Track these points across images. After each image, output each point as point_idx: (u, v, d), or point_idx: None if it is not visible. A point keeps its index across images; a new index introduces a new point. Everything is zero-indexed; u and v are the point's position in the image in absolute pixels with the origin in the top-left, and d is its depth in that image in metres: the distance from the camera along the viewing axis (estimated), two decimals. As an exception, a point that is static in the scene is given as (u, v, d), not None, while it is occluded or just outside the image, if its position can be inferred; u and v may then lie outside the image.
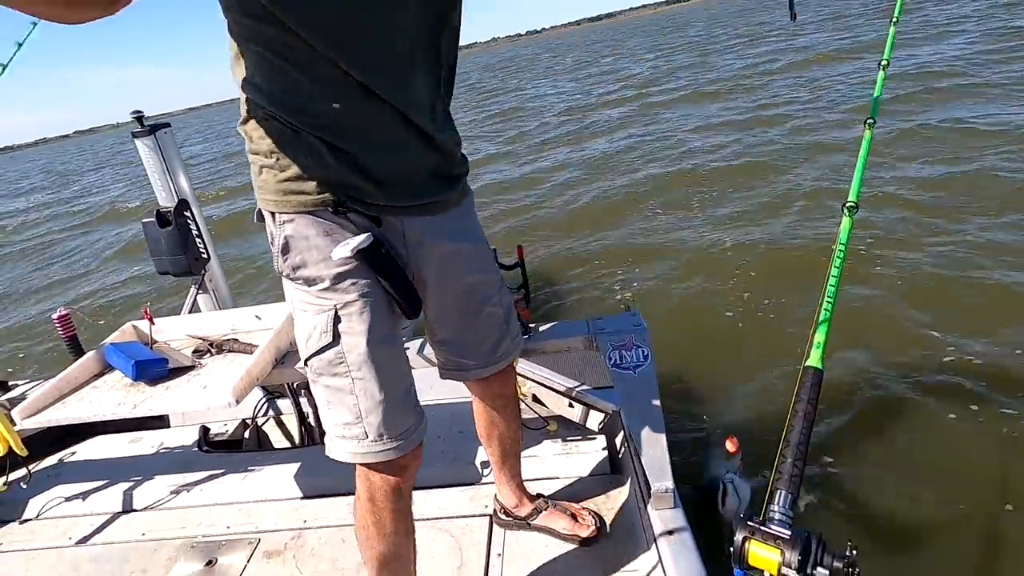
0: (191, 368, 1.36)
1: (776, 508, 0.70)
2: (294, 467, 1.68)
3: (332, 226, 0.87)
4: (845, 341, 2.62)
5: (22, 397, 1.46)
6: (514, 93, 18.68)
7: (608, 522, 1.33)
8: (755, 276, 3.59)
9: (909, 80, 7.75)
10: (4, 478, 1.65)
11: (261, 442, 2.08)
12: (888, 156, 5.18)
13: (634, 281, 3.84)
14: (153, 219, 2.28)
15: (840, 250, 0.84)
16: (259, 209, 0.92)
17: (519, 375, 1.31)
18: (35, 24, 2.17)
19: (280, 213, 0.87)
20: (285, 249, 0.89)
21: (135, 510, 1.63)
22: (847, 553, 0.63)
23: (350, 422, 0.91)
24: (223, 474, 1.72)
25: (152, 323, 1.50)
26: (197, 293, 2.39)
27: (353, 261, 0.87)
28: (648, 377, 1.25)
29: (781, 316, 3.03)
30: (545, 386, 1.63)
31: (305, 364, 0.93)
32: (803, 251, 3.78)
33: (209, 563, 1.41)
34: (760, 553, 0.65)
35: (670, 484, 1.15)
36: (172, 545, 1.46)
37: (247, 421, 2.14)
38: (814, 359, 0.79)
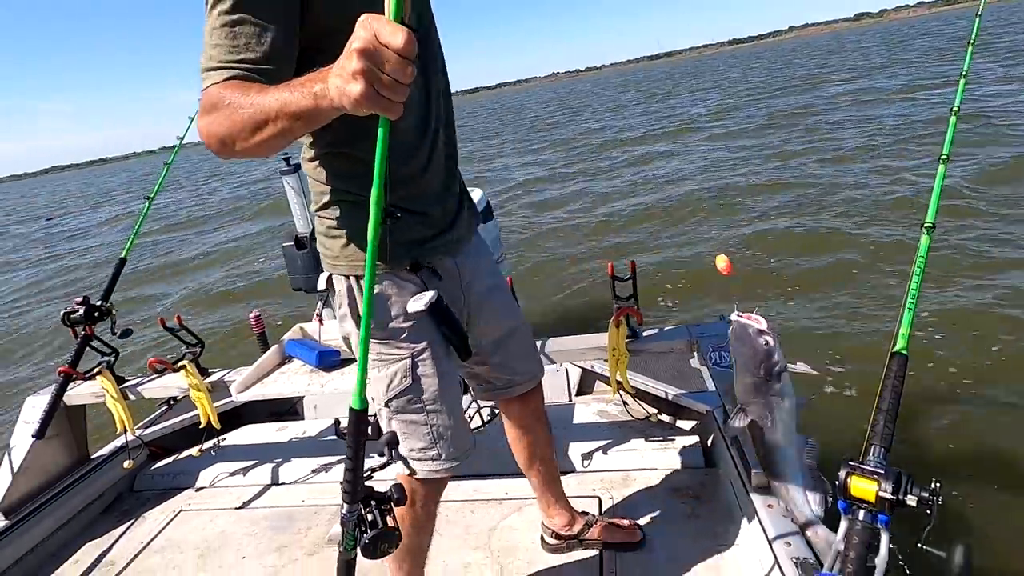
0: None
1: (871, 457, 0.89)
2: None
3: (407, 284, 1.02)
4: (926, 333, 3.21)
5: (220, 381, 1.82)
6: (601, 121, 19.33)
7: (706, 508, 1.51)
8: (836, 291, 4.09)
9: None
10: (200, 446, 2.02)
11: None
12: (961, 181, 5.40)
13: (728, 294, 4.23)
14: (292, 243, 2.69)
15: (920, 261, 1.04)
16: (329, 276, 1.05)
17: (628, 373, 1.53)
18: (192, 119, 2.26)
19: (361, 277, 0.99)
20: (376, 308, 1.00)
21: (289, 483, 1.94)
22: (932, 487, 0.82)
23: (425, 447, 1.08)
24: None
25: (322, 324, 1.84)
26: (323, 307, 2.78)
27: (423, 314, 1.01)
28: None
29: (861, 327, 3.54)
30: (645, 391, 1.84)
31: (385, 406, 1.06)
32: (881, 273, 4.13)
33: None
34: (860, 485, 0.85)
35: None
36: (328, 510, 1.75)
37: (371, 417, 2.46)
38: (900, 346, 0.98)
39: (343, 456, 0.83)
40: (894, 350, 0.99)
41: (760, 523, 1.30)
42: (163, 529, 1.80)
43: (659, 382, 1.89)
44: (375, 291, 0.98)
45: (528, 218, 8.08)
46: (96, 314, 1.84)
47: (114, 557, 1.70)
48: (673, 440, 1.77)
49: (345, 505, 0.86)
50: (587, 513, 1.48)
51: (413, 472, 1.10)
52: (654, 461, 1.72)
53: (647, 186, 8.83)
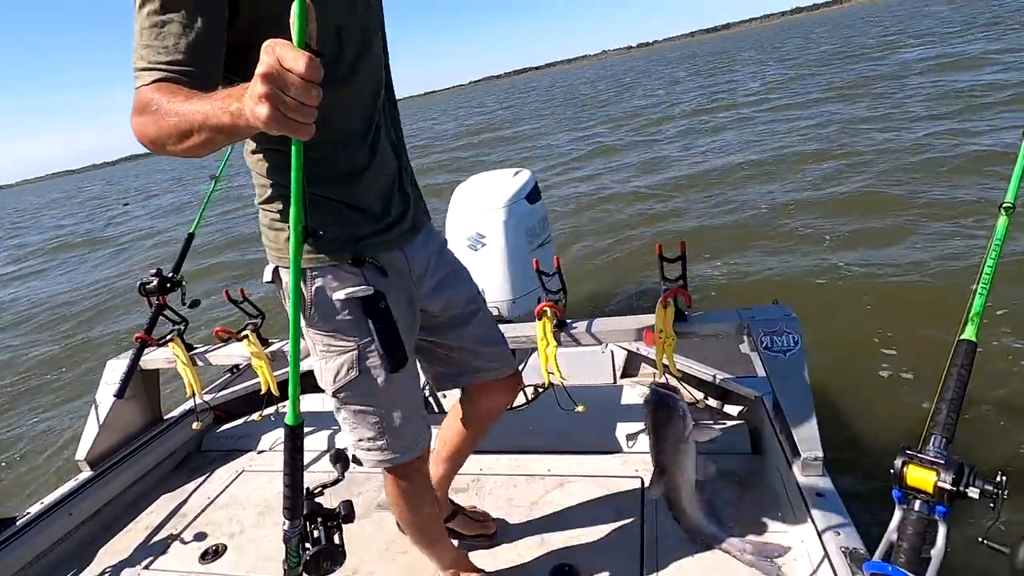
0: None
1: (932, 446, 0.86)
2: None
3: (348, 277, 1.02)
4: (996, 320, 3.01)
5: (279, 351, 1.92)
6: (655, 99, 18.90)
7: (752, 495, 1.49)
8: (900, 270, 3.90)
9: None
10: (260, 412, 2.15)
11: (435, 408, 2.45)
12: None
13: (778, 279, 4.14)
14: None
15: (996, 244, 0.98)
16: (275, 268, 1.07)
17: (675, 356, 1.52)
18: (228, 155, 2.30)
19: (310, 270, 1.01)
20: (315, 301, 1.02)
21: (342, 448, 2.03)
22: (997, 479, 0.78)
23: (373, 437, 1.10)
24: None
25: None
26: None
27: (356, 304, 1.02)
28: (798, 361, 1.41)
29: (924, 310, 3.36)
30: (692, 375, 1.82)
31: (334, 396, 1.08)
32: (952, 254, 3.94)
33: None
34: (917, 475, 0.82)
35: (819, 453, 1.30)
36: (379, 477, 1.83)
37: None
38: (969, 333, 0.94)
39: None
40: (961, 337, 0.95)
41: (808, 511, 1.28)
42: (227, 487, 1.93)
43: (706, 366, 1.86)
44: (318, 284, 1.01)
45: (577, 197, 7.99)
46: (168, 285, 1.97)
47: (185, 510, 1.85)
48: (719, 425, 1.75)
49: (286, 522, 0.88)
50: (455, 503, 1.53)
51: (360, 463, 1.13)
52: (699, 445, 1.71)
53: (698, 162, 8.56)
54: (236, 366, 2.15)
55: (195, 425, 2.07)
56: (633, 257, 5.23)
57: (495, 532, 1.53)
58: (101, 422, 1.92)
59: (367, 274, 1.03)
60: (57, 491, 1.80)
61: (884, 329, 3.23)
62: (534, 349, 2.38)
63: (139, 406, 2.07)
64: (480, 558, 1.45)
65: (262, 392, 1.96)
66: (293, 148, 0.71)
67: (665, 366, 1.52)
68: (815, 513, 1.25)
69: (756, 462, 1.62)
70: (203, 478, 2.00)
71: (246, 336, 1.88)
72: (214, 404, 2.24)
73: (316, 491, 0.95)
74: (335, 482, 0.97)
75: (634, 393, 2.04)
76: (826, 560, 1.16)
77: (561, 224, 6.51)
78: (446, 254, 1.26)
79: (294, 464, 0.86)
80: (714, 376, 1.80)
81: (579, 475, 1.70)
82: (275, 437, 2.12)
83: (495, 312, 2.65)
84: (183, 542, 1.70)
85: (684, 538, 1.38)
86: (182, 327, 1.99)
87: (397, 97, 1.13)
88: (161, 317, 2.00)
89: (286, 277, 1.04)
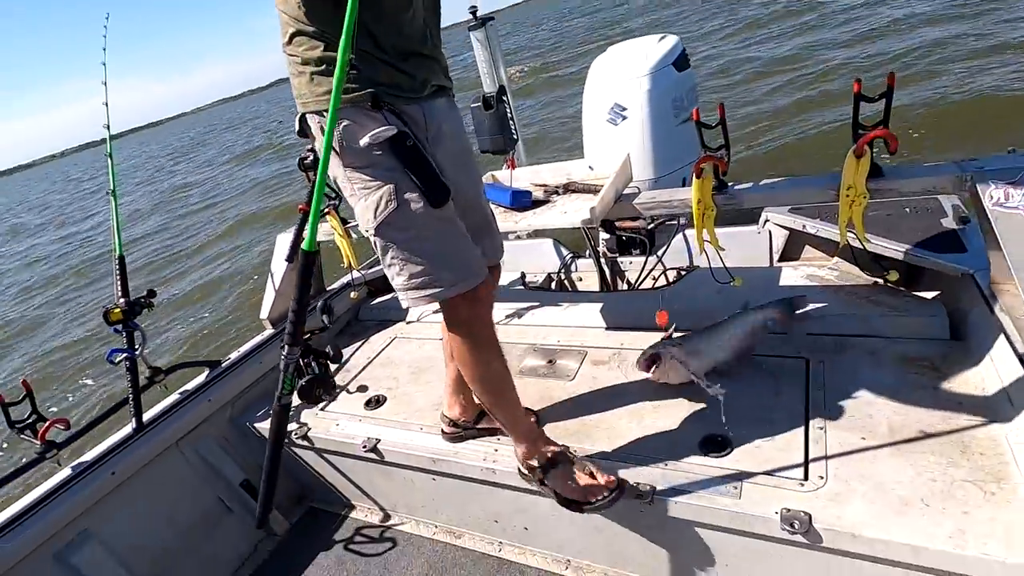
0: (547, 201, 1.67)
1: None
2: (598, 305, 1.95)
3: (372, 120, 1.01)
4: None
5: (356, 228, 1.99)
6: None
7: (949, 385, 1.28)
8: None
9: None
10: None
11: (564, 289, 2.43)
12: None
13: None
14: (480, 104, 2.69)
15: None
16: (302, 116, 1.07)
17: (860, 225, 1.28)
18: None
19: (337, 110, 0.98)
20: (345, 141, 1.02)
21: None
22: None
23: (422, 271, 1.07)
24: (540, 307, 2.08)
25: (513, 169, 1.85)
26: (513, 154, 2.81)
27: (387, 143, 1.01)
28: None
29: None
30: (875, 252, 1.56)
31: (375, 234, 1.07)
32: None
33: (550, 361, 1.77)
34: None
35: None
36: (520, 347, 1.87)
37: (551, 274, 2.52)
38: None
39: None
40: None
41: None
42: (383, 350, 2.10)
43: (894, 240, 1.58)
44: (344, 123, 1.00)
45: (730, 65, 7.06)
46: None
47: (349, 367, 2.05)
48: (908, 307, 1.50)
49: (285, 347, 0.88)
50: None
51: (405, 303, 1.11)
52: (879, 327, 1.49)
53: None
54: None
55: (352, 295, 2.25)
56: (800, 115, 4.48)
57: (536, 420, 1.49)
58: (276, 288, 2.15)
59: (388, 117, 1.03)
60: (249, 343, 2.09)
61: None
62: (679, 227, 2.22)
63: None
64: (629, 421, 1.43)
65: (344, 265, 2.05)
66: None
67: (852, 235, 1.28)
68: None
69: (956, 349, 1.38)
70: (361, 342, 2.20)
71: (329, 216, 1.95)
72: (368, 279, 2.41)
73: (306, 335, 1.00)
74: (323, 329, 1.02)
75: (795, 275, 1.82)
76: None
77: (711, 96, 5.82)
78: (464, 138, 1.24)
79: (303, 287, 0.89)
80: (905, 251, 1.52)
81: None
82: (422, 310, 2.24)
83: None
84: (349, 392, 1.89)
85: (855, 427, 1.23)
86: (337, 202, 2.10)
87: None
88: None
89: (313, 123, 1.06)
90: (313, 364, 0.94)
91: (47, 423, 1.50)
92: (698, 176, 1.39)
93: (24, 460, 1.56)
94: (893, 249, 1.55)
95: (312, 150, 1.48)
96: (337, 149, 1.03)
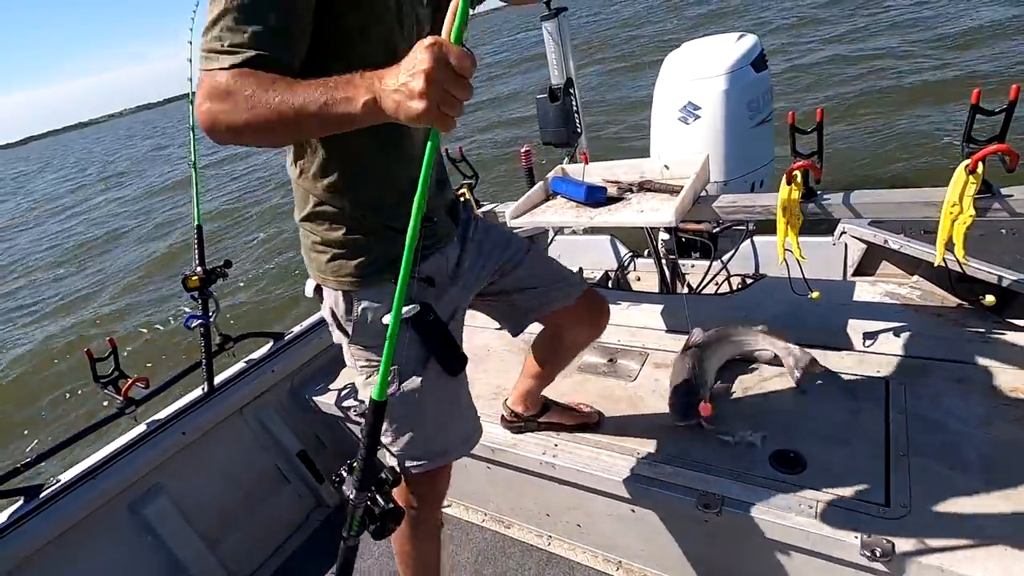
0: (621, 199, 1.64)
1: None
2: (660, 307, 1.92)
3: (390, 296, 0.91)
4: None
5: (491, 212, 1.98)
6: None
7: None
8: None
9: None
10: None
11: (622, 288, 2.40)
12: None
13: None
14: (546, 95, 2.67)
15: None
16: (317, 284, 1.06)
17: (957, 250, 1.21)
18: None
19: (356, 292, 1.01)
20: (359, 322, 1.02)
21: None
22: None
23: (417, 444, 1.08)
24: None
25: (587, 163, 1.83)
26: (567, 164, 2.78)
27: (406, 325, 0.99)
28: None
29: None
30: (967, 275, 1.48)
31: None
32: None
33: (611, 360, 1.76)
34: None
35: None
36: None
37: (609, 272, 2.49)
38: None
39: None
40: None
41: None
42: None
43: (990, 263, 1.49)
44: (363, 305, 1.02)
45: (808, 67, 6.77)
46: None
47: None
48: (1001, 333, 1.43)
49: (354, 491, 0.87)
50: (544, 397, 1.52)
51: (404, 467, 1.12)
52: (970, 353, 1.42)
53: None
54: None
55: None
56: (900, 116, 4.20)
57: (599, 420, 1.51)
58: None
59: (412, 290, 0.99)
60: (310, 318, 2.14)
61: None
62: (748, 232, 2.16)
63: None
64: (694, 431, 1.40)
65: None
66: (429, 143, 0.71)
67: (949, 252, 1.22)
68: None
69: None
70: None
71: (462, 195, 1.95)
72: None
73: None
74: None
75: (873, 291, 1.75)
76: None
77: (784, 101, 5.63)
78: (475, 229, 1.21)
79: (373, 438, 0.88)
80: (1004, 275, 1.45)
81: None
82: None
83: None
84: None
85: (942, 456, 1.17)
86: (473, 180, 2.11)
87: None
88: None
89: (328, 295, 1.05)
90: (379, 498, 0.91)
91: (129, 381, 1.57)
92: (788, 182, 1.34)
93: (102, 414, 1.64)
94: (992, 272, 1.47)
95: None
96: (348, 331, 1.05)
